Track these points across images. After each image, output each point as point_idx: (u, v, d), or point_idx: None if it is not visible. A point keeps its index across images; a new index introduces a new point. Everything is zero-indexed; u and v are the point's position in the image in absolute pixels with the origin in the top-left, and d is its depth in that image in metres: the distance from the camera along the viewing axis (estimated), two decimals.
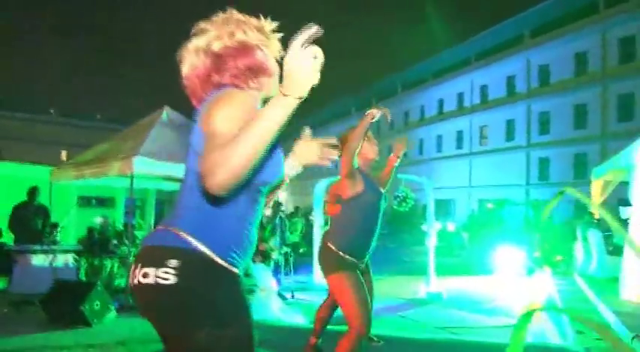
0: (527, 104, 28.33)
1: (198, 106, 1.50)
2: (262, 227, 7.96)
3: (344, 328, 2.94)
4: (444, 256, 12.58)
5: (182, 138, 6.57)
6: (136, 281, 1.36)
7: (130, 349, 4.41)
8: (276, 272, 7.92)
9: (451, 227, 19.44)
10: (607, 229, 9.98)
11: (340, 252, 3.08)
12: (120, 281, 7.04)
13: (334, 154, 1.81)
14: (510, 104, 29.40)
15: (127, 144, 6.96)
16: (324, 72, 1.24)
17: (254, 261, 6.54)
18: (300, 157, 1.78)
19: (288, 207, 24.39)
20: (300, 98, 1.22)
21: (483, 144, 31.97)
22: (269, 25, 1.58)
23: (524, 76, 28.70)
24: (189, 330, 1.32)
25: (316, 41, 1.21)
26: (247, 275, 6.02)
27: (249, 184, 1.36)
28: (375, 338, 4.44)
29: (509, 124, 29.88)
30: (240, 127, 1.24)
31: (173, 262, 1.32)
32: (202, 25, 1.53)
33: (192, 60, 1.51)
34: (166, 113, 7.36)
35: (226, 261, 1.38)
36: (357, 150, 3.04)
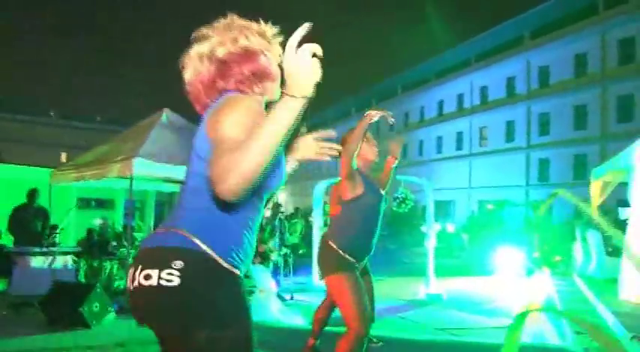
0: (527, 105, 28.36)
1: (202, 112, 1.50)
2: (261, 228, 7.96)
3: (342, 329, 2.94)
4: (443, 257, 12.58)
5: (182, 140, 6.58)
6: (136, 284, 1.35)
7: (129, 350, 4.41)
8: (275, 273, 7.92)
9: (451, 228, 19.44)
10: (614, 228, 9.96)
11: (341, 251, 3.09)
12: (119, 283, 7.05)
13: (332, 150, 1.82)
14: (510, 105, 29.43)
15: (127, 145, 6.96)
16: (324, 72, 1.24)
17: (253, 263, 6.54)
18: (297, 153, 1.78)
19: (287, 208, 24.38)
20: (306, 98, 1.22)
21: (483, 146, 31.99)
22: (270, 29, 1.59)
23: (524, 77, 28.73)
24: (189, 331, 1.32)
25: (315, 41, 1.21)
26: (247, 276, 6.02)
27: (252, 189, 1.36)
28: (375, 339, 4.44)
29: (509, 125, 29.90)
30: (248, 132, 1.24)
31: (177, 263, 1.32)
32: (204, 30, 1.53)
33: (195, 66, 1.52)
34: (166, 115, 7.36)
35: (229, 262, 1.39)
36: (356, 151, 3.05)
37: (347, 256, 3.08)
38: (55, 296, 5.35)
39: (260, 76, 1.52)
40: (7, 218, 7.41)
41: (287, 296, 7.11)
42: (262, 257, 7.68)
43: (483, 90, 32.05)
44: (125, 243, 7.42)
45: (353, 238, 3.16)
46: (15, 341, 4.64)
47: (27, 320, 5.40)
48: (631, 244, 7.26)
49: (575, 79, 25.57)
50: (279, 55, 1.58)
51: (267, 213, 8.44)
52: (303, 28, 1.21)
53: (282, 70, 1.34)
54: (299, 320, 5.76)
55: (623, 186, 8.05)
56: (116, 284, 7.06)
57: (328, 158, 1.88)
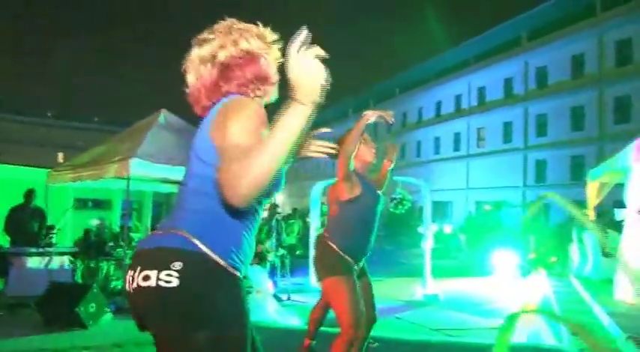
0: (525, 106, 28.39)
1: (203, 114, 1.50)
2: (259, 229, 7.97)
3: (338, 330, 2.95)
4: (441, 258, 12.60)
5: (179, 141, 6.58)
6: (134, 285, 1.35)
7: (126, 351, 4.41)
8: (272, 274, 7.92)
9: (448, 229, 19.45)
10: (603, 231, 10.01)
11: (341, 252, 3.09)
12: (116, 284, 7.03)
13: (329, 148, 1.82)
14: (508, 106, 29.45)
15: (124, 146, 6.95)
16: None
17: (250, 263, 6.54)
18: None
19: (284, 209, 24.38)
20: (315, 103, 1.22)
21: (481, 147, 32.01)
22: (269, 32, 1.59)
23: (521, 79, 28.76)
24: (188, 332, 1.31)
25: (315, 41, 1.21)
26: (244, 277, 6.02)
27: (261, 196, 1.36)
28: (371, 340, 4.44)
29: (507, 126, 29.92)
30: (256, 138, 1.25)
31: (177, 264, 1.31)
32: (205, 34, 1.54)
33: (197, 70, 1.52)
34: (164, 115, 7.36)
35: (229, 263, 1.39)
36: (354, 152, 3.05)
37: (346, 257, 3.09)
38: (52, 297, 5.34)
39: (261, 79, 1.53)
40: (4, 218, 7.39)
41: (284, 297, 7.12)
42: (259, 257, 7.68)
43: (481, 91, 32.09)
44: (122, 244, 7.41)
45: (351, 240, 3.16)
46: (11, 341, 4.63)
47: (23, 321, 5.39)
48: (626, 246, 7.29)
49: (572, 81, 25.61)
50: (277, 59, 1.59)
51: (265, 213, 8.44)
52: (302, 35, 1.21)
53: (283, 74, 1.34)
54: (295, 321, 5.76)
55: (620, 187, 8.08)
56: (113, 284, 7.04)
57: (325, 156, 1.88)
